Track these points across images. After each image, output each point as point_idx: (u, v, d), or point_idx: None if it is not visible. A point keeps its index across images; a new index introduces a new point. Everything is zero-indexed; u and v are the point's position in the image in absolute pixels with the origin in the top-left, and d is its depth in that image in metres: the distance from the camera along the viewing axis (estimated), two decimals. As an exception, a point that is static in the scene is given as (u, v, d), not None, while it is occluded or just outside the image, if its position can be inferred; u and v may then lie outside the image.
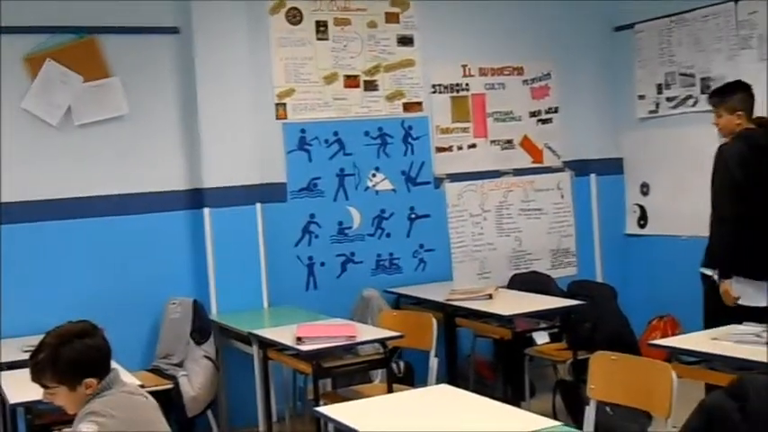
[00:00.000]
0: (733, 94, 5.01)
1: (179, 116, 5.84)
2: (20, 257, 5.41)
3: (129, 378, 3.70)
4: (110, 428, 2.92)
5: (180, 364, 5.52)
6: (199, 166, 5.79)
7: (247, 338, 5.23)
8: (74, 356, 3.00)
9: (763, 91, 5.92)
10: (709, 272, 4.97)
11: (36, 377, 3.06)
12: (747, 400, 3.05)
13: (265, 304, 5.90)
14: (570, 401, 5.47)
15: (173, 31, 5.79)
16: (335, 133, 6.28)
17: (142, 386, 3.58)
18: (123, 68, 5.67)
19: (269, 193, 6.00)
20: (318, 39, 6.24)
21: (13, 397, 4.04)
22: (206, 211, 5.77)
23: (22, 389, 3.74)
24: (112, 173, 5.66)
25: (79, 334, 3.06)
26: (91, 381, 3.03)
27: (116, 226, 5.65)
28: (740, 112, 4.96)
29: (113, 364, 3.15)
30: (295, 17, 6.16)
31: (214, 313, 5.75)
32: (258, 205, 5.91)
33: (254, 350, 5.21)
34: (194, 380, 5.43)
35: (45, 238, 5.48)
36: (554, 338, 5.80)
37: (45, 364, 3.02)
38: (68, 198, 5.55)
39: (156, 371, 5.52)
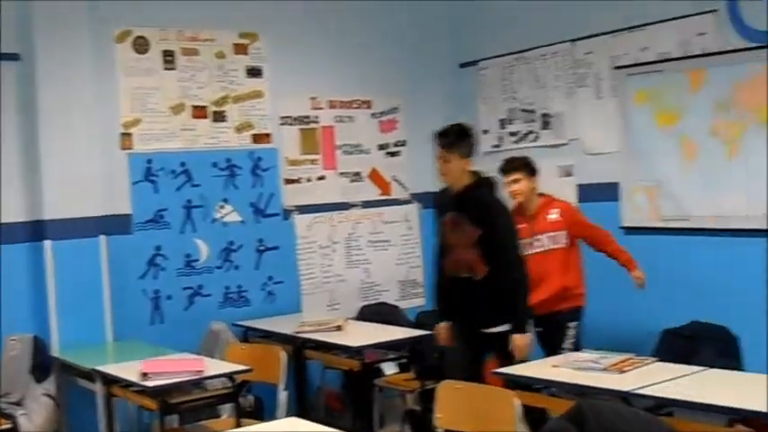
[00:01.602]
0: (465, 139, 4.86)
1: (19, 145, 5.64)
2: None
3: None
4: None
5: (19, 403, 5.33)
6: (40, 197, 5.60)
7: (90, 375, 5.09)
8: None
9: (600, 128, 6.21)
10: (506, 327, 4.79)
11: None
12: (586, 424, 3.16)
13: (109, 339, 5.74)
14: (419, 431, 5.54)
15: (14, 57, 5.61)
16: (183, 164, 6.20)
17: (-23, 427, 3.44)
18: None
19: (113, 225, 5.86)
20: (166, 68, 6.17)
21: None
22: (47, 243, 5.58)
23: None
24: (-54, 204, 5.44)
25: None
26: None
27: (-50, 259, 5.43)
28: (469, 159, 4.85)
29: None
30: (142, 46, 6.07)
31: (55, 349, 5.55)
32: (102, 237, 5.76)
33: (98, 387, 5.06)
34: (34, 419, 5.24)
35: None
36: (403, 369, 5.87)
37: None
38: None
39: (-5, 409, 5.31)
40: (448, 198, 4.94)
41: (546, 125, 6.59)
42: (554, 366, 4.36)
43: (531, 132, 6.72)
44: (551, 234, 5.40)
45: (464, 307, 4.91)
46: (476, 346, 4.87)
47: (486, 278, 4.78)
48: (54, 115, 5.60)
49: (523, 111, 6.78)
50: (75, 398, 5.50)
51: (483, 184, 4.90)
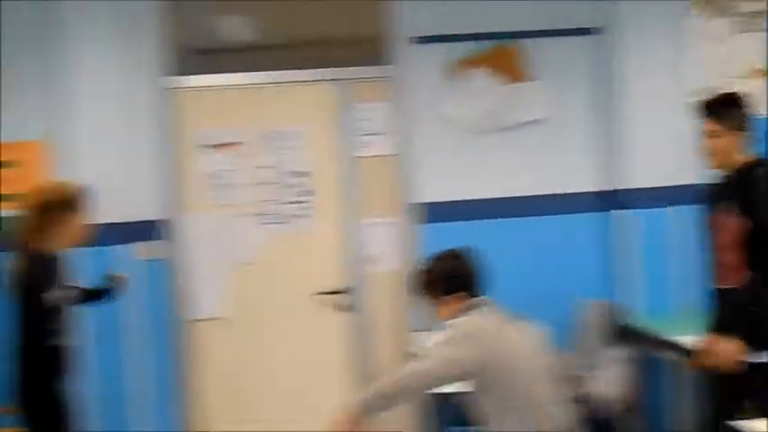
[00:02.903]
0: (736, 109, 4.04)
1: (593, 117, 5.84)
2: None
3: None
4: (464, 343, 3.46)
5: (593, 366, 5.53)
6: (617, 168, 5.76)
7: (665, 344, 5.11)
8: (443, 270, 3.71)
9: None
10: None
11: (416, 290, 3.78)
12: None
13: (681, 310, 5.70)
14: None
15: (591, 32, 5.81)
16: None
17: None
18: (543, 72, 5.77)
19: (681, 196, 5.79)
20: (742, 32, 5.91)
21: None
22: (624, 212, 5.73)
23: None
24: (529, 174, 5.80)
25: (449, 255, 3.77)
26: (460, 295, 3.64)
27: (535, 225, 5.79)
28: (742, 133, 4.02)
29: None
30: (718, 12, 5.89)
31: (630, 316, 5.67)
32: (674, 208, 5.73)
33: (671, 357, 5.07)
34: (607, 382, 5.42)
35: (469, 236, 5.66)
36: None
37: (422, 277, 3.77)
38: (489, 198, 5.77)
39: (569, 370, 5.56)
40: (717, 188, 4.14)
41: None
42: None
43: None
44: None
45: (727, 329, 3.98)
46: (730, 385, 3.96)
47: (749, 288, 3.91)
48: (632, 87, 5.72)
49: None
50: (650, 366, 5.57)
51: (762, 164, 4.00)
